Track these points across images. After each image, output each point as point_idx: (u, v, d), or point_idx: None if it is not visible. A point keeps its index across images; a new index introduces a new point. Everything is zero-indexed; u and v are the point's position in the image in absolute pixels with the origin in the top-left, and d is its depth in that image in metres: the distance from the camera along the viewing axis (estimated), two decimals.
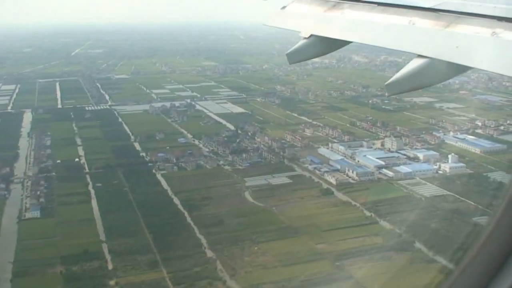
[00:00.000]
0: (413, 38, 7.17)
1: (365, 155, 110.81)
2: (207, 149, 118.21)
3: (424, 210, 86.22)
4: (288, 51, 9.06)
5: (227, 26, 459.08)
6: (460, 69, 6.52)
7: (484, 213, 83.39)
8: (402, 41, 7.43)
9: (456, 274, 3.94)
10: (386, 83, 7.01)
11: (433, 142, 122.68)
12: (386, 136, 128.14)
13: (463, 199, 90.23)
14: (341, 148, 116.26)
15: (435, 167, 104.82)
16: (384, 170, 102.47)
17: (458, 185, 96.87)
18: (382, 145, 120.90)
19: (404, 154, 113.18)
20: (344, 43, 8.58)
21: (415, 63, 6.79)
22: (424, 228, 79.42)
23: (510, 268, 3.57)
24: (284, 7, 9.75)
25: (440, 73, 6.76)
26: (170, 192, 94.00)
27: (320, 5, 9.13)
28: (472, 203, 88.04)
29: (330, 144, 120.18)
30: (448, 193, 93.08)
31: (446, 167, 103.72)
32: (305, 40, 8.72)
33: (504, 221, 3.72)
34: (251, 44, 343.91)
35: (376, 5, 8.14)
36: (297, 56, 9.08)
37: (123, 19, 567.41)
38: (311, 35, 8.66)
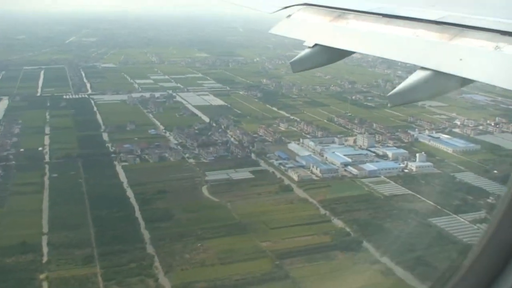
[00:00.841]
0: (417, 50, 7.13)
1: (333, 152, 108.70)
2: (175, 142, 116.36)
3: (380, 209, 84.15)
4: (292, 59, 8.98)
5: (230, 19, 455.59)
6: (463, 82, 6.40)
7: (441, 214, 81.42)
8: (406, 53, 7.40)
9: (458, 275, 3.84)
10: (389, 94, 6.81)
11: (406, 140, 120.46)
12: (360, 133, 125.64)
13: (423, 198, 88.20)
14: (311, 144, 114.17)
15: (401, 165, 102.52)
16: (350, 168, 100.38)
17: (421, 185, 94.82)
18: (355, 142, 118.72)
19: (374, 152, 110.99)
20: (348, 53, 8.60)
21: (418, 75, 6.64)
22: (376, 227, 77.32)
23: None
24: (289, 16, 9.85)
25: (442, 86, 6.60)
26: (125, 185, 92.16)
27: (326, 15, 9.17)
28: (431, 203, 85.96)
29: (301, 140, 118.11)
30: (409, 192, 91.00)
31: (412, 166, 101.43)
32: (309, 49, 8.68)
33: (505, 223, 3.61)
34: (248, 37, 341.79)
35: (381, 16, 8.16)
36: (301, 65, 8.98)
37: (129, 8, 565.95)
38: (316, 44, 8.62)
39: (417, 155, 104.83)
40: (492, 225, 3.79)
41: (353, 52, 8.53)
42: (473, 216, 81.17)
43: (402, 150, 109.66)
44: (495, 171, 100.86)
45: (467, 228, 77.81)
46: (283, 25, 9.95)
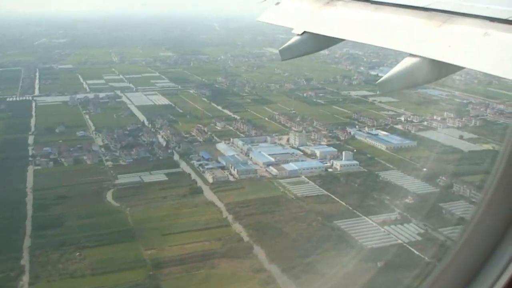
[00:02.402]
0: (406, 37, 7.02)
1: (260, 152, 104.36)
2: (100, 144, 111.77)
3: (287, 211, 79.66)
4: (281, 47, 8.84)
5: (213, 17, 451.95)
6: (452, 68, 6.49)
7: (349, 216, 77.09)
8: (394, 40, 7.27)
9: (437, 273, 3.87)
10: (378, 81, 6.63)
11: (342, 138, 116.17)
12: (298, 131, 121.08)
13: (337, 200, 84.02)
14: (240, 143, 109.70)
15: (326, 164, 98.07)
16: (271, 168, 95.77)
17: (340, 184, 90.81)
18: (288, 140, 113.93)
19: (302, 151, 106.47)
20: (337, 40, 8.43)
21: (407, 62, 6.51)
22: (275, 231, 72.80)
23: (491, 267, 3.53)
24: (278, 3, 9.78)
25: (432, 73, 6.54)
26: (29, 190, 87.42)
27: (314, 2, 9.15)
28: (344, 204, 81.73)
29: (231, 139, 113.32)
30: (325, 193, 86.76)
31: (337, 164, 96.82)
32: (298, 37, 8.59)
33: (482, 222, 3.67)
34: (223, 35, 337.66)
35: (369, 3, 8.12)
36: (290, 53, 8.83)
37: (116, 9, 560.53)
38: (304, 32, 8.51)
39: (343, 153, 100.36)
40: (470, 225, 3.64)
41: (342, 40, 8.33)
42: (383, 217, 76.74)
43: (331, 149, 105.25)
44: (424, 169, 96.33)
45: (372, 231, 73.44)
46: (271, 12, 9.76)
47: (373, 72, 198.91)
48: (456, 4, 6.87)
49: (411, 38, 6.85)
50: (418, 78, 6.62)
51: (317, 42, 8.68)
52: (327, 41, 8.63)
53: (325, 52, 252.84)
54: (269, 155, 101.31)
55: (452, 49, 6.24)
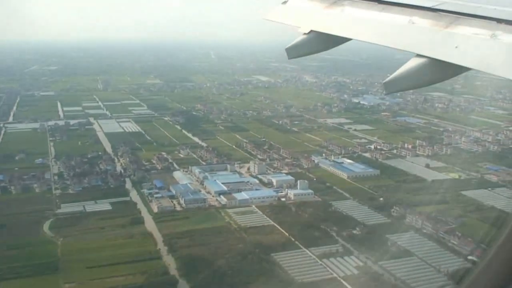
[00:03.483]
0: (413, 37, 7.09)
1: (215, 180, 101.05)
2: (55, 171, 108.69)
3: (226, 243, 76.10)
4: (288, 46, 8.73)
5: (212, 44, 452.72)
6: (459, 70, 6.41)
7: (290, 248, 73.45)
8: (401, 40, 7.27)
9: (474, 275, 3.83)
10: (384, 81, 6.67)
11: (306, 166, 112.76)
12: (262, 159, 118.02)
13: (281, 230, 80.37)
14: (197, 171, 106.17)
15: (280, 193, 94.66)
16: (221, 197, 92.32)
17: (289, 214, 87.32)
18: (248, 169, 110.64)
19: (260, 179, 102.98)
20: (343, 40, 8.37)
21: (413, 62, 6.54)
22: (206, 265, 69.09)
23: None
24: (285, 2, 9.76)
25: (438, 73, 6.57)
26: None
27: (321, 1, 9.14)
28: (287, 235, 77.89)
29: (190, 167, 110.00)
30: (271, 223, 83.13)
31: (291, 194, 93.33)
32: (304, 36, 8.58)
33: None
34: (215, 63, 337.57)
35: (376, 3, 8.13)
36: (296, 51, 8.70)
37: (112, 37, 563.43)
38: (311, 31, 8.53)
39: (298, 182, 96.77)
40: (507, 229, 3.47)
41: (349, 39, 8.24)
42: (324, 250, 72.95)
43: (289, 177, 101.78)
44: (381, 199, 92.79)
45: (308, 264, 69.62)
46: (278, 11, 9.69)
47: (355, 100, 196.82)
48: (463, 5, 6.86)
49: (418, 39, 6.87)
50: (425, 79, 6.55)
51: (324, 41, 8.55)
52: (334, 40, 8.50)
53: (312, 79, 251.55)
54: (223, 183, 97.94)
55: (459, 50, 6.18)
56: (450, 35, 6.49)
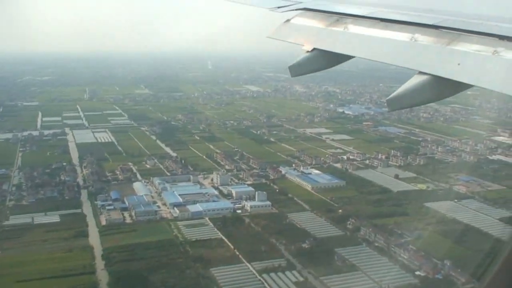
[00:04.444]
0: (415, 54, 7.10)
1: (173, 192, 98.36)
2: (15, 182, 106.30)
3: (166, 257, 73.37)
4: (291, 64, 8.70)
5: (214, 55, 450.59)
6: (461, 87, 6.41)
7: (232, 262, 70.51)
8: (403, 57, 7.28)
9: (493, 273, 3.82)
10: (387, 98, 6.62)
11: (272, 177, 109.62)
12: (230, 170, 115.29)
13: (228, 244, 77.59)
14: (157, 182, 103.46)
15: (237, 205, 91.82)
16: (175, 209, 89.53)
17: (241, 227, 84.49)
18: (212, 179, 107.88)
19: (220, 191, 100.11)
20: (347, 57, 8.41)
21: (416, 80, 6.53)
22: (139, 281, 66.25)
23: None
24: (288, 20, 9.77)
25: (441, 91, 6.54)
26: None
27: (323, 20, 9.16)
28: (232, 249, 75.13)
29: (151, 178, 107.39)
30: (219, 236, 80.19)
31: (248, 205, 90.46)
32: (307, 54, 8.63)
33: None
34: (210, 73, 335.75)
35: (378, 20, 8.16)
36: (299, 69, 8.73)
37: (113, 48, 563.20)
38: (314, 49, 8.59)
39: (256, 193, 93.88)
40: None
41: (352, 57, 8.22)
42: (267, 264, 69.91)
43: (250, 188, 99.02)
44: (340, 211, 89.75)
45: (245, 280, 66.61)
46: (281, 29, 9.67)
47: (340, 109, 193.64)
48: (465, 22, 7.02)
49: (420, 56, 6.93)
50: (427, 96, 6.56)
51: (327, 59, 8.57)
52: (337, 58, 8.52)
53: (302, 89, 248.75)
54: (180, 195, 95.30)
55: (461, 67, 6.22)
56: (452, 52, 6.48)
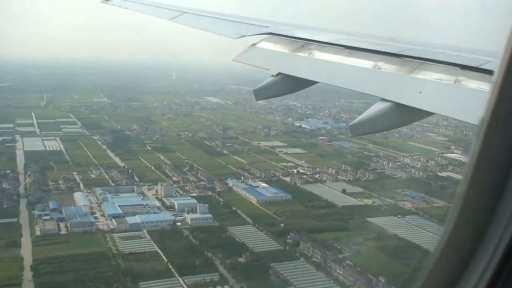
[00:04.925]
0: (378, 81, 7.22)
1: (113, 202, 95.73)
2: None
3: (96, 270, 70.99)
4: (256, 87, 8.82)
5: (176, 67, 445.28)
6: (423, 114, 6.59)
7: (163, 276, 68.33)
8: (367, 84, 7.43)
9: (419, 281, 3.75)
10: (350, 124, 6.83)
11: (218, 189, 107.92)
12: (177, 181, 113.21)
13: (162, 257, 75.65)
14: (99, 192, 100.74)
15: (178, 218, 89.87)
16: (113, 220, 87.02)
17: (178, 240, 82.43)
18: (156, 190, 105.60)
19: (163, 202, 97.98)
20: (311, 82, 8.49)
21: (378, 106, 6.66)
22: None
23: (471, 272, 3.44)
24: (254, 44, 9.83)
25: (402, 117, 6.68)
26: None
27: (289, 45, 9.29)
28: (166, 262, 73.28)
29: (93, 188, 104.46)
30: (154, 249, 78.05)
31: (189, 218, 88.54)
32: (272, 78, 8.71)
33: (460, 227, 3.49)
34: (173, 84, 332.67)
35: (343, 48, 8.30)
36: (264, 93, 8.91)
37: (79, 56, 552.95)
38: (279, 73, 8.66)
39: (198, 206, 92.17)
40: (448, 230, 3.46)
41: (316, 82, 8.30)
42: (198, 279, 68.20)
43: (193, 200, 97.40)
44: (282, 225, 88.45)
45: None
46: (247, 53, 9.81)
47: (297, 123, 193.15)
48: (428, 51, 7.18)
49: (383, 83, 7.05)
50: (389, 123, 6.72)
51: (291, 84, 8.72)
52: (301, 83, 8.67)
53: (263, 102, 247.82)
54: (121, 206, 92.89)
55: (423, 95, 6.36)
56: (415, 80, 6.63)
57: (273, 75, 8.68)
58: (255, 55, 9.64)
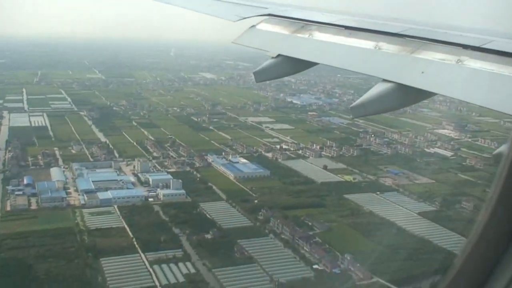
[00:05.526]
0: (379, 62, 7.13)
1: (87, 178, 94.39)
2: None
3: (60, 246, 70.17)
4: (255, 69, 8.74)
5: (177, 45, 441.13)
6: (425, 94, 6.53)
7: (128, 252, 67.22)
8: (367, 65, 7.36)
9: (450, 275, 3.78)
10: (351, 105, 6.75)
11: (198, 165, 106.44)
12: (157, 157, 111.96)
13: (128, 233, 74.79)
14: (75, 168, 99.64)
15: (150, 193, 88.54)
16: (85, 195, 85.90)
17: (147, 216, 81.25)
18: (134, 166, 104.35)
19: (139, 178, 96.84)
20: (311, 64, 8.40)
21: (380, 87, 6.52)
22: (24, 270, 62.83)
23: (504, 267, 3.48)
24: (253, 26, 9.70)
25: (404, 98, 6.55)
26: None
27: (289, 26, 9.13)
28: (131, 238, 72.03)
29: (71, 164, 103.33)
30: (121, 225, 76.97)
31: (161, 193, 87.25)
32: (272, 60, 8.58)
33: (493, 220, 3.53)
34: (170, 60, 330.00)
35: (343, 28, 8.15)
36: (264, 75, 8.73)
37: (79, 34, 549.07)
38: (279, 55, 8.55)
39: (171, 181, 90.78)
40: (481, 223, 3.54)
41: (316, 63, 8.19)
42: (161, 255, 67.20)
43: (168, 176, 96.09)
44: (255, 201, 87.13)
45: (133, 271, 63.54)
46: (246, 35, 9.67)
47: (289, 99, 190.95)
48: (429, 31, 7.01)
49: (384, 64, 6.92)
50: (391, 103, 6.58)
51: (291, 65, 8.56)
52: (301, 65, 8.51)
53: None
54: (95, 181, 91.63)
55: (425, 76, 6.23)
56: (416, 61, 6.51)
57: (273, 57, 8.53)
58: (254, 37, 9.52)
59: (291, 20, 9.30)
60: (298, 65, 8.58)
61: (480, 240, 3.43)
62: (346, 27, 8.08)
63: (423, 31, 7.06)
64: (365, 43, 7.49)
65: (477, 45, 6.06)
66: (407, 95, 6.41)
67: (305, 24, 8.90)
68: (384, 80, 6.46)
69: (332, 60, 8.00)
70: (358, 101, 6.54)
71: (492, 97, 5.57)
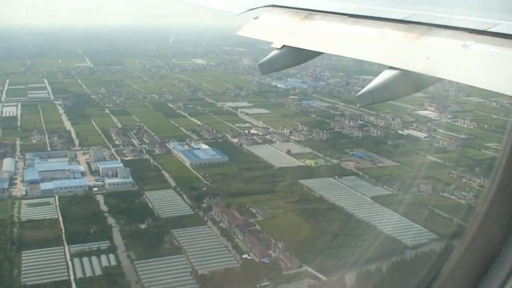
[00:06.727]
0: (384, 49, 7.01)
1: (35, 167, 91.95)
2: None
3: None
4: (260, 61, 8.54)
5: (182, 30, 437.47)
6: (431, 80, 6.43)
7: (53, 245, 64.36)
8: (373, 53, 7.26)
9: (444, 274, 3.81)
10: (358, 94, 6.51)
11: (158, 152, 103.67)
12: (117, 145, 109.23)
13: (60, 225, 71.62)
14: (28, 157, 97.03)
15: (97, 182, 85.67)
16: (27, 186, 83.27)
17: (86, 206, 78.60)
18: (90, 155, 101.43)
19: (90, 167, 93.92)
20: (316, 54, 8.36)
21: (386, 75, 6.38)
22: None
23: (500, 266, 3.50)
24: (257, 18, 9.60)
25: (411, 85, 6.49)
26: None
27: (292, 16, 9.04)
28: (62, 230, 69.27)
29: (25, 154, 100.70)
30: (55, 217, 74.47)
31: (107, 182, 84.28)
32: (277, 51, 8.45)
33: (487, 221, 3.62)
34: (164, 47, 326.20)
35: (347, 16, 8.06)
36: (269, 67, 8.60)
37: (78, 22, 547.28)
38: (283, 46, 8.39)
39: (118, 170, 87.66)
40: (475, 224, 3.57)
41: (321, 53, 8.14)
42: (85, 247, 64.52)
43: (119, 164, 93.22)
44: (204, 188, 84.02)
45: (50, 264, 60.74)
46: (250, 27, 9.55)
47: (274, 83, 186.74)
48: (434, 16, 6.86)
49: (389, 51, 6.82)
50: (398, 91, 6.50)
51: (297, 56, 8.49)
52: (307, 55, 8.47)
53: (249, 63, 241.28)
54: (42, 172, 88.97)
55: (431, 61, 6.15)
56: (422, 47, 6.41)
57: (277, 48, 8.34)
58: (258, 28, 9.40)
59: (294, 10, 9.10)
60: (303, 55, 8.46)
61: (477, 236, 3.37)
62: (350, 15, 7.94)
63: (428, 16, 6.89)
64: (370, 31, 7.36)
65: (482, 28, 5.90)
66: (414, 82, 6.26)
67: (308, 13, 8.74)
68: (390, 67, 6.31)
69: (336, 49, 7.95)
70: (365, 89, 6.41)
71: (499, 81, 5.38)
